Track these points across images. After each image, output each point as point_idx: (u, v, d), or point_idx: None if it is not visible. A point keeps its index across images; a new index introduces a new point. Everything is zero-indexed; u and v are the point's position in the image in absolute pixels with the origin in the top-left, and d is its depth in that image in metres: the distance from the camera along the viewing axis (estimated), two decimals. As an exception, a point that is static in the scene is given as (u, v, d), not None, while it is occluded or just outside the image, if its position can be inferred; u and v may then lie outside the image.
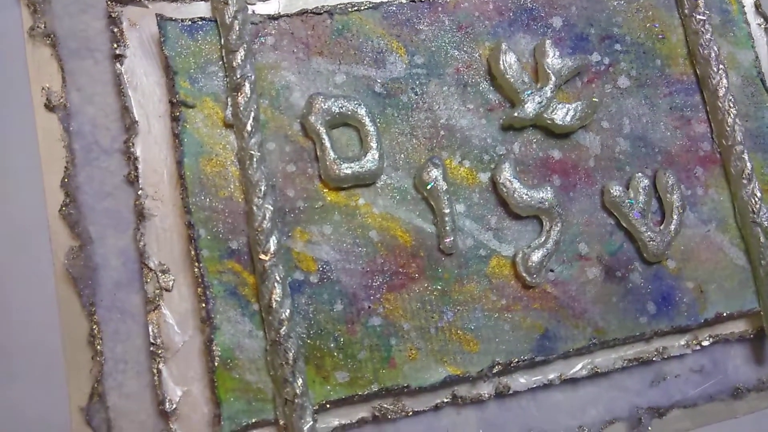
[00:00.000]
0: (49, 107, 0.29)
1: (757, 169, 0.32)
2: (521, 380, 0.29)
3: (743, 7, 0.34)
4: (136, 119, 0.28)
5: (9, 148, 0.28)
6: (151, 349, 0.27)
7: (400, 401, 0.28)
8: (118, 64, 0.29)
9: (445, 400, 0.29)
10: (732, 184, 0.32)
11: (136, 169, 0.28)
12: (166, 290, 0.28)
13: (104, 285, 0.28)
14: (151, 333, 0.27)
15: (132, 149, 0.28)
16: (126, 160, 0.29)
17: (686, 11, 0.33)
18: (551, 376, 0.30)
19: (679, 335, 0.31)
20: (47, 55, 0.29)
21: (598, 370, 0.30)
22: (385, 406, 0.28)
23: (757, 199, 0.31)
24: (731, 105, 0.32)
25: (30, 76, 0.29)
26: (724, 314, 0.31)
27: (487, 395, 0.29)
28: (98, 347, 0.27)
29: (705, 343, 0.31)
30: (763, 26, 0.35)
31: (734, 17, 0.34)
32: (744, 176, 0.31)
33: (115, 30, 0.29)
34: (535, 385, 0.29)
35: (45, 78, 0.29)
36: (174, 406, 0.27)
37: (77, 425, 0.27)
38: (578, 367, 0.30)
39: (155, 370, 0.27)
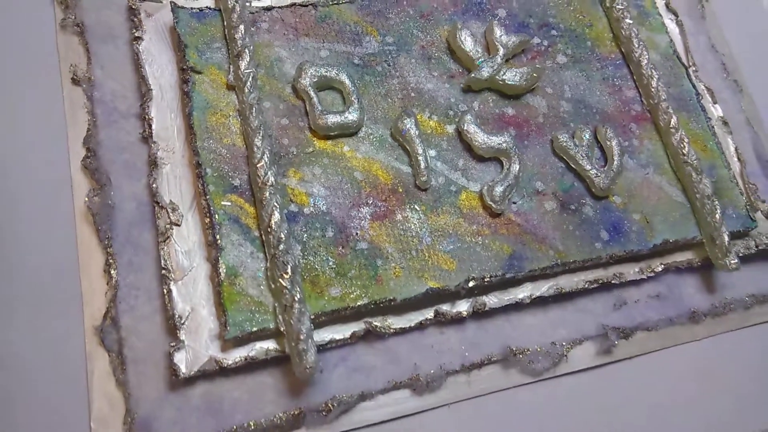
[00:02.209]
0: (76, 81, 0.33)
1: (684, 124, 0.38)
2: (495, 299, 0.33)
3: (655, 3, 0.41)
4: (151, 87, 0.33)
5: (39, 114, 0.33)
6: (162, 272, 0.30)
7: (387, 319, 0.31)
8: (136, 45, 0.34)
9: (429, 318, 0.32)
10: (663, 135, 0.37)
11: (150, 127, 0.33)
12: (176, 225, 0.31)
13: (119, 223, 0.31)
14: (162, 260, 0.30)
15: (147, 112, 0.33)
16: (141, 121, 0.33)
17: (608, 4, 0.40)
18: (521, 296, 0.33)
19: (634, 263, 0.35)
20: (75, 42, 0.34)
21: (563, 290, 0.33)
22: (375, 323, 0.31)
23: (685, 143, 0.36)
24: (653, 71, 0.38)
25: (60, 57, 0.34)
26: (671, 240, 0.35)
27: (465, 313, 0.32)
28: (113, 276, 0.30)
29: (658, 269, 0.35)
30: (674, 20, 0.42)
31: (648, 10, 0.41)
32: (672, 126, 0.37)
33: (135, 19, 0.34)
34: (507, 303, 0.33)
35: (73, 58, 0.34)
36: (183, 321, 0.29)
37: (91, 344, 0.29)
38: (545, 288, 0.33)
39: (165, 291, 0.30)
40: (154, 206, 0.31)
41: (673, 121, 0.37)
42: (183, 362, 0.29)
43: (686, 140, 0.36)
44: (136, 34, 0.34)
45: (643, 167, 0.36)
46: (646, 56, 0.38)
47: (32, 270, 0.30)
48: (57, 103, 0.33)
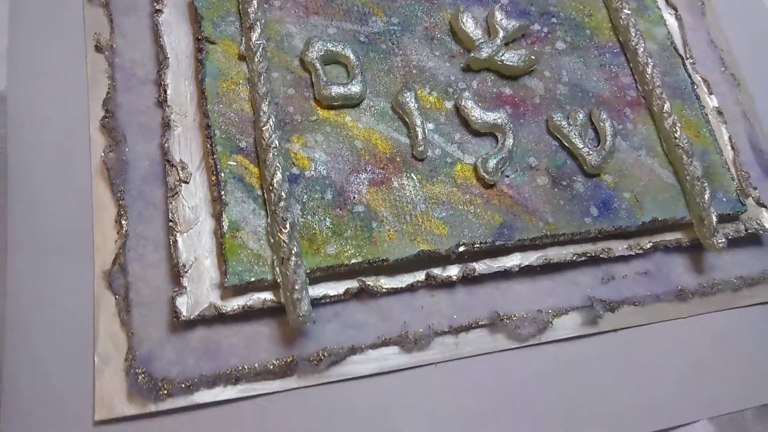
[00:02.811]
0: (99, 49, 0.36)
1: (679, 111, 0.39)
2: (484, 266, 0.34)
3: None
4: (168, 56, 0.36)
5: (64, 76, 0.35)
6: (170, 225, 0.32)
7: (379, 279, 0.33)
8: (156, 17, 0.36)
9: (420, 280, 0.33)
10: (656, 120, 0.38)
11: (165, 93, 0.35)
12: (185, 182, 0.33)
13: (132, 178, 0.33)
14: (170, 213, 0.32)
15: (163, 79, 0.35)
16: (157, 87, 0.35)
17: (607, -4, 0.41)
18: (510, 264, 0.34)
19: (623, 240, 0.36)
20: (100, 13, 0.37)
21: (552, 261, 0.35)
22: (368, 282, 0.33)
23: (677, 128, 0.37)
24: (649, 59, 0.39)
25: (86, 27, 0.36)
26: (659, 219, 0.36)
27: (455, 277, 0.33)
28: (123, 226, 0.32)
29: (646, 246, 0.36)
30: (673, 15, 0.44)
31: (648, 4, 0.42)
32: (665, 111, 0.38)
33: (156, -7, 0.37)
34: (497, 270, 0.34)
35: (97, 28, 0.36)
36: (186, 269, 0.31)
37: (99, 287, 0.31)
38: (534, 258, 0.35)
39: (172, 241, 0.32)
40: (165, 164, 0.33)
41: (667, 106, 0.38)
42: (184, 306, 0.30)
43: (679, 125, 0.37)
44: (157, 7, 0.37)
45: (635, 149, 0.38)
46: (643, 44, 0.39)
47: (50, 217, 0.32)
48: (81, 68, 0.36)
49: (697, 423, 0.34)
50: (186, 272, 0.31)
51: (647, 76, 0.39)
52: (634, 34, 0.40)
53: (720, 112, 0.41)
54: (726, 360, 0.36)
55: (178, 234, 0.32)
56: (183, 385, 0.30)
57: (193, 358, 0.30)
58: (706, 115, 0.40)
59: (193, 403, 0.30)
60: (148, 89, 0.35)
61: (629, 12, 0.40)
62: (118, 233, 0.32)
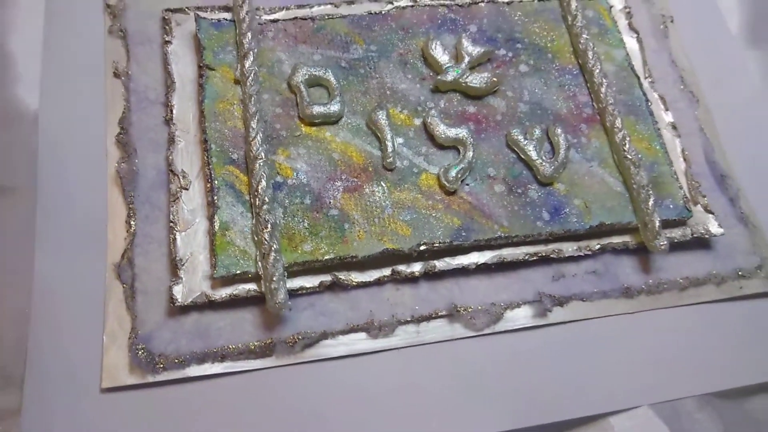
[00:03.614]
0: (116, 75, 0.42)
1: (631, 127, 0.43)
2: (444, 263, 0.38)
3: (616, 23, 0.47)
4: (175, 81, 0.41)
5: (86, 99, 0.41)
6: (171, 225, 0.37)
7: (350, 274, 0.38)
8: (165, 48, 0.42)
9: (387, 275, 0.38)
10: (608, 134, 0.42)
11: (171, 112, 0.41)
12: (185, 189, 0.39)
13: (141, 185, 0.39)
14: (171, 215, 0.38)
15: (170, 100, 0.41)
16: (165, 108, 0.41)
17: (569, 22, 0.46)
18: (467, 262, 0.38)
19: (573, 242, 0.40)
20: (119, 44, 0.43)
21: (506, 260, 0.39)
22: (340, 276, 0.37)
23: (627, 141, 0.41)
24: (603, 80, 0.43)
25: (105, 56, 0.42)
26: (606, 223, 0.40)
27: (418, 273, 0.38)
28: (132, 226, 0.38)
29: (594, 248, 0.40)
30: (635, 38, 0.48)
31: (609, 28, 0.46)
32: (616, 126, 0.42)
33: (167, 27, 0.43)
34: (455, 267, 0.38)
35: (115, 57, 0.42)
36: (183, 263, 0.36)
37: (110, 277, 0.37)
38: (489, 257, 0.39)
39: (171, 239, 0.37)
40: (169, 174, 0.39)
41: (618, 121, 0.42)
42: (180, 294, 0.36)
43: (628, 138, 0.41)
44: (166, 39, 0.42)
45: (588, 161, 0.42)
46: (599, 66, 0.44)
47: (72, 217, 0.38)
48: (100, 91, 0.41)
49: (639, 408, 0.38)
50: (183, 265, 0.36)
51: (601, 94, 0.43)
52: (591, 57, 0.44)
53: (674, 127, 0.45)
54: (669, 352, 0.39)
55: (177, 233, 0.37)
56: (176, 361, 0.35)
57: (186, 339, 0.35)
58: (659, 129, 0.43)
59: (184, 376, 0.35)
60: (157, 109, 0.41)
61: (588, 37, 0.44)
62: (127, 232, 0.38)
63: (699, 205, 0.42)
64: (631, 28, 0.48)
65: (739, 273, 0.42)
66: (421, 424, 0.36)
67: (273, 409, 0.35)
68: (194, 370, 0.35)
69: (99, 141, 0.40)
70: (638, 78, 0.45)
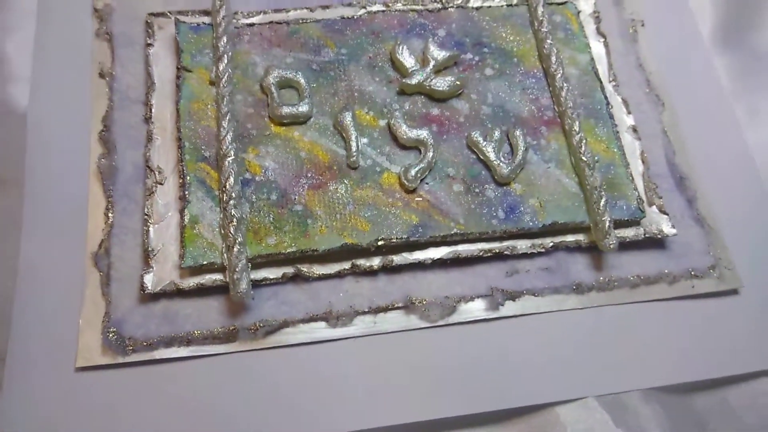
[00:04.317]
0: (102, 75, 0.44)
1: (591, 130, 0.45)
2: (401, 258, 0.40)
3: (583, 27, 0.48)
4: (155, 82, 0.44)
5: (72, 98, 0.44)
6: (145, 217, 0.40)
7: (312, 266, 0.40)
8: (147, 50, 0.45)
9: (347, 268, 0.40)
10: (567, 137, 0.44)
11: (151, 111, 0.43)
12: (160, 184, 0.41)
13: (120, 180, 0.42)
14: (146, 208, 0.40)
15: (149, 100, 0.43)
16: (145, 107, 0.44)
17: (536, 28, 0.47)
18: (423, 257, 0.41)
19: (527, 239, 0.42)
20: (105, 46, 0.45)
21: (461, 255, 0.41)
22: (302, 268, 0.40)
23: (583, 144, 0.43)
24: (564, 84, 0.45)
25: (92, 57, 0.45)
26: (560, 222, 0.41)
27: (377, 267, 0.40)
28: (110, 217, 0.40)
29: (548, 246, 0.42)
30: (602, 42, 0.49)
31: (575, 34, 0.48)
32: (574, 129, 0.43)
33: (149, 30, 0.45)
34: (412, 262, 0.40)
35: (101, 58, 0.45)
36: (155, 253, 0.39)
37: (88, 265, 0.39)
38: (444, 252, 0.41)
39: (145, 230, 0.40)
40: (146, 169, 0.41)
41: (576, 125, 0.43)
42: (150, 282, 0.38)
43: (584, 141, 0.43)
44: (149, 42, 0.45)
45: (546, 162, 0.43)
46: (561, 71, 0.45)
47: (56, 207, 0.41)
48: (87, 90, 0.44)
49: (584, 399, 0.40)
50: (154, 256, 0.39)
51: (562, 98, 0.44)
52: (554, 61, 0.45)
53: (635, 130, 0.46)
54: (618, 347, 0.41)
55: (151, 225, 0.40)
56: (145, 344, 0.38)
57: (155, 323, 0.38)
58: (618, 132, 0.45)
59: (152, 358, 0.38)
60: (138, 108, 0.44)
61: (552, 42, 0.46)
62: (105, 223, 0.40)
63: (654, 206, 0.44)
64: (599, 32, 0.49)
65: (692, 272, 0.43)
66: (376, 408, 0.38)
67: (235, 392, 0.38)
68: (161, 353, 0.38)
69: (83, 137, 0.43)
70: (601, 82, 0.46)
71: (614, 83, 0.48)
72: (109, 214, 0.41)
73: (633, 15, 0.51)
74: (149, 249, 0.39)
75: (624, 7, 0.51)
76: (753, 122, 0.50)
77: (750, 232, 0.46)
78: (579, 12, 0.49)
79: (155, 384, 0.38)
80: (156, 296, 0.39)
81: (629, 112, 0.47)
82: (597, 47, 0.49)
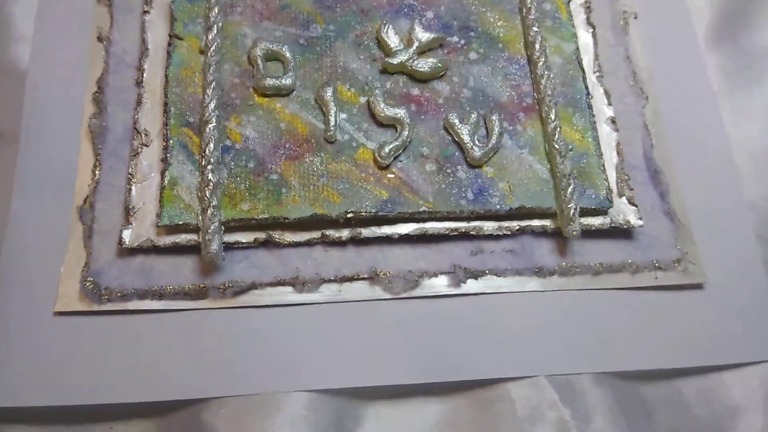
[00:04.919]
0: (100, 39, 0.46)
1: (568, 119, 0.45)
2: (369, 231, 0.42)
3: (572, 16, 0.49)
4: (148, 48, 0.46)
5: (71, 59, 0.46)
6: (128, 176, 0.42)
7: (283, 234, 0.42)
8: (144, 17, 0.47)
9: (316, 237, 0.42)
10: (543, 124, 0.45)
11: (142, 76, 0.45)
12: (145, 145, 0.43)
13: (109, 140, 0.44)
14: (130, 168, 0.42)
15: (142, 65, 0.45)
16: (138, 71, 0.46)
17: (524, 14, 0.48)
18: (390, 232, 0.42)
19: (494, 221, 0.43)
20: (105, 12, 0.47)
21: (427, 232, 0.42)
22: (273, 235, 0.42)
23: (557, 132, 0.44)
24: (545, 72, 0.45)
25: (92, 22, 0.47)
26: (527, 207, 0.42)
27: (345, 238, 0.42)
28: (97, 174, 0.43)
29: (514, 229, 0.43)
30: (590, 32, 0.49)
31: (564, 22, 0.48)
32: (550, 117, 0.44)
33: (147, -2, 0.47)
34: (379, 236, 0.42)
35: (101, 23, 0.47)
36: (135, 211, 0.41)
37: (73, 218, 0.42)
38: (411, 228, 0.42)
39: (128, 189, 0.42)
40: (134, 131, 0.44)
41: (553, 113, 0.44)
42: (128, 237, 0.40)
43: (559, 129, 0.44)
44: (146, 9, 0.47)
45: (520, 147, 0.44)
46: (543, 58, 0.46)
47: (47, 161, 0.43)
48: (85, 53, 0.46)
49: (535, 378, 0.41)
50: (134, 213, 0.41)
51: (541, 86, 0.45)
52: (537, 49, 0.46)
53: (614, 121, 0.47)
54: (574, 331, 0.42)
55: (134, 184, 0.42)
56: (119, 294, 0.40)
57: (131, 277, 0.40)
58: (595, 122, 0.46)
59: (126, 309, 0.40)
60: (131, 72, 0.46)
61: (537, 29, 0.47)
62: (92, 179, 0.43)
63: (624, 197, 0.44)
64: (589, 22, 0.50)
65: (656, 264, 0.44)
66: (332, 371, 0.40)
67: (202, 347, 0.40)
68: (135, 305, 0.40)
69: (79, 97, 0.45)
70: (583, 72, 0.47)
71: (598, 74, 0.48)
72: (96, 172, 0.43)
73: (626, 7, 0.52)
74: (130, 206, 0.41)
75: (618, -1, 0.52)
76: (737, 121, 0.50)
77: (722, 230, 0.46)
78: (569, 1, 0.50)
79: (128, 333, 0.40)
80: (133, 251, 0.41)
81: (610, 104, 0.47)
82: (585, 37, 0.49)
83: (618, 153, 0.46)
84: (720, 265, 0.45)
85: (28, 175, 0.43)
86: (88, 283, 0.40)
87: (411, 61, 0.45)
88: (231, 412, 0.39)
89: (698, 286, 0.44)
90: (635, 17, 0.51)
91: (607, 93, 0.48)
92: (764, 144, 0.49)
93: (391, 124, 0.44)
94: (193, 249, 0.41)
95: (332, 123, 0.43)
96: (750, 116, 0.50)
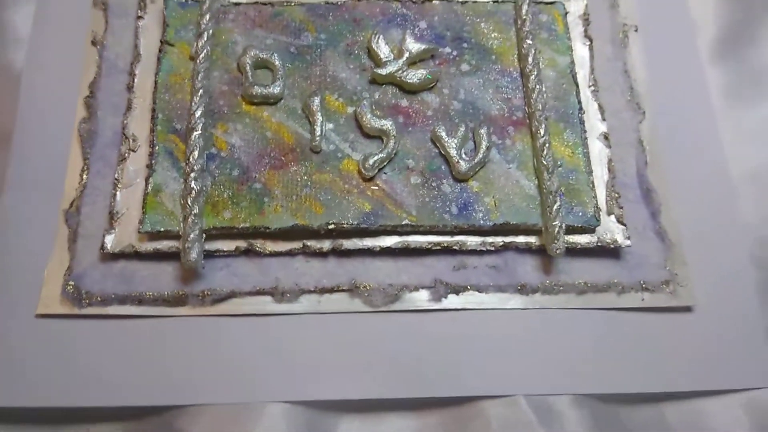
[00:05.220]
0: (94, 43, 0.47)
1: (559, 134, 0.45)
2: (351, 243, 0.42)
3: (568, 29, 0.48)
4: (140, 53, 0.46)
5: (64, 61, 0.47)
6: (114, 181, 0.43)
7: (265, 243, 0.42)
8: (138, 22, 0.47)
9: (298, 247, 0.42)
10: (533, 139, 0.44)
11: (133, 81, 0.45)
12: (133, 151, 0.44)
13: (98, 144, 0.44)
14: (117, 172, 0.43)
15: (134, 70, 0.46)
16: (129, 77, 0.46)
17: (519, 26, 0.47)
18: (371, 245, 0.42)
19: (478, 236, 0.43)
20: (100, 15, 0.48)
21: (410, 246, 0.42)
22: (255, 244, 0.42)
23: (546, 147, 0.43)
24: (537, 86, 0.45)
25: (87, 26, 0.48)
26: (511, 223, 0.42)
27: (326, 249, 0.42)
28: (84, 179, 0.43)
29: (498, 245, 0.42)
30: (587, 45, 0.49)
31: (560, 35, 0.48)
32: (540, 132, 0.44)
33: (141, 3, 0.47)
34: (362, 247, 0.42)
35: (95, 27, 0.47)
36: (119, 216, 0.42)
37: (60, 221, 0.42)
38: (394, 241, 0.42)
39: (113, 194, 0.42)
40: (122, 136, 0.44)
41: (542, 127, 0.44)
42: (110, 242, 0.41)
43: (548, 145, 0.43)
44: (140, 14, 0.47)
45: (507, 162, 0.44)
46: (536, 72, 0.45)
47: (38, 162, 0.44)
48: (80, 57, 0.47)
49: (513, 397, 0.41)
50: (118, 218, 0.42)
51: (532, 100, 0.45)
52: (531, 61, 0.45)
53: (606, 137, 0.46)
54: (557, 350, 0.42)
55: (119, 189, 0.42)
56: (100, 299, 0.40)
57: (112, 281, 0.41)
58: (586, 138, 0.45)
59: (105, 313, 0.40)
60: (124, 77, 0.46)
61: (531, 42, 0.46)
62: (79, 183, 0.43)
63: (613, 216, 0.44)
64: (586, 35, 0.49)
65: (643, 285, 0.43)
66: (308, 382, 0.40)
67: (180, 353, 0.40)
68: (114, 309, 0.40)
69: (72, 101, 0.46)
70: (577, 86, 0.46)
71: (593, 88, 0.47)
72: (84, 175, 0.43)
73: (627, 20, 0.51)
74: (114, 211, 0.42)
75: (619, 11, 0.51)
76: (737, 139, 0.49)
77: (715, 251, 0.45)
78: (567, 13, 0.49)
79: (108, 337, 0.40)
80: (116, 256, 0.41)
81: (604, 119, 0.47)
82: (582, 50, 0.48)
83: (609, 170, 0.45)
84: (711, 287, 0.44)
85: (19, 175, 0.44)
86: (69, 287, 0.40)
87: (400, 72, 0.45)
88: (206, 420, 0.39)
89: (687, 309, 0.43)
90: (636, 30, 0.50)
91: (601, 108, 0.47)
92: (763, 164, 0.48)
93: (378, 136, 0.44)
94: (174, 256, 0.41)
95: (318, 133, 0.43)
96: (750, 135, 0.49)
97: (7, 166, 0.44)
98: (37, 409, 0.39)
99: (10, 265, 0.41)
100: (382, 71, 0.45)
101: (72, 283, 0.41)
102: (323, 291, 0.42)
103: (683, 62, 0.50)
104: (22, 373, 0.39)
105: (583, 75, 0.47)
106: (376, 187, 0.43)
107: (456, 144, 0.43)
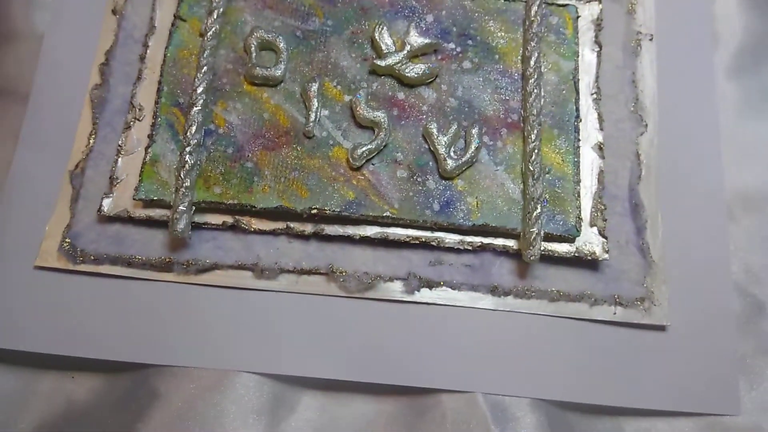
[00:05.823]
0: (114, 12, 0.49)
1: (551, 140, 0.45)
2: (332, 229, 0.43)
3: (578, 34, 0.48)
4: (155, 26, 0.48)
5: (84, 30, 0.49)
6: (118, 148, 0.45)
7: (251, 220, 0.44)
8: (156, -4, 0.49)
9: (281, 228, 0.44)
10: (524, 143, 0.44)
11: (146, 52, 0.47)
12: (138, 120, 0.46)
13: (107, 111, 0.46)
14: (121, 140, 0.45)
15: (147, 42, 0.48)
16: (143, 47, 0.48)
17: (526, 27, 0.47)
18: (352, 233, 0.43)
19: (457, 234, 0.43)
20: (122, -14, 0.50)
21: (388, 237, 0.43)
22: (241, 220, 0.44)
23: (535, 153, 0.43)
24: (535, 89, 0.45)
25: (109, -3, 0.50)
26: (490, 225, 0.43)
27: (308, 233, 0.43)
28: (91, 142, 0.46)
29: (475, 244, 0.43)
30: (595, 51, 0.48)
31: (568, 38, 0.47)
32: (531, 137, 0.44)
33: (161, -23, 0.49)
34: (342, 234, 0.43)
35: (117, -2, 0.50)
36: (118, 181, 0.44)
37: (65, 181, 0.45)
38: (374, 231, 0.43)
39: (115, 160, 0.45)
40: (130, 105, 0.46)
41: (534, 132, 0.44)
42: (107, 206, 0.43)
43: (537, 150, 0.43)
44: (158, -11, 0.49)
45: (496, 164, 0.44)
46: (536, 75, 0.45)
47: (51, 124, 0.46)
48: (99, 24, 0.49)
49: (472, 394, 0.42)
50: (117, 183, 0.44)
51: (528, 105, 0.45)
52: (532, 64, 0.45)
53: (601, 147, 0.46)
54: (523, 354, 0.43)
55: (121, 156, 0.45)
56: (92, 258, 0.43)
57: (106, 242, 0.43)
58: (578, 147, 0.45)
59: (97, 272, 0.43)
60: (137, 48, 0.48)
61: (536, 44, 0.46)
62: (86, 146, 0.46)
63: (595, 227, 0.44)
64: (596, 41, 0.48)
65: (617, 299, 0.43)
66: (279, 356, 0.42)
67: (162, 316, 0.43)
68: (105, 269, 0.43)
69: (88, 66, 0.48)
70: (577, 93, 0.46)
71: (595, 96, 0.47)
72: (91, 140, 0.46)
73: (643, 27, 0.50)
74: (115, 177, 0.44)
75: (635, 17, 0.50)
76: (738, 161, 0.48)
77: (698, 274, 0.45)
78: (579, 17, 0.48)
79: (98, 294, 0.43)
80: (112, 219, 0.44)
81: (601, 129, 0.46)
82: (590, 56, 0.48)
83: (599, 181, 0.45)
84: (689, 310, 0.44)
85: (32, 134, 0.47)
86: (66, 244, 0.43)
87: (400, 65, 0.45)
88: (179, 383, 0.42)
89: (660, 328, 0.43)
90: (651, 39, 0.49)
91: (600, 117, 0.46)
92: (762, 188, 0.47)
93: (370, 127, 0.45)
94: (165, 224, 0.44)
95: (312, 118, 0.44)
96: (753, 155, 0.48)
97: (21, 123, 0.47)
98: (28, 353, 0.42)
99: (15, 217, 0.44)
100: (382, 63, 0.45)
101: (69, 240, 0.43)
102: (302, 272, 0.43)
103: (696, 76, 0.49)
104: (16, 318, 0.42)
105: (587, 82, 0.47)
106: (362, 177, 0.44)
107: (446, 142, 0.44)
